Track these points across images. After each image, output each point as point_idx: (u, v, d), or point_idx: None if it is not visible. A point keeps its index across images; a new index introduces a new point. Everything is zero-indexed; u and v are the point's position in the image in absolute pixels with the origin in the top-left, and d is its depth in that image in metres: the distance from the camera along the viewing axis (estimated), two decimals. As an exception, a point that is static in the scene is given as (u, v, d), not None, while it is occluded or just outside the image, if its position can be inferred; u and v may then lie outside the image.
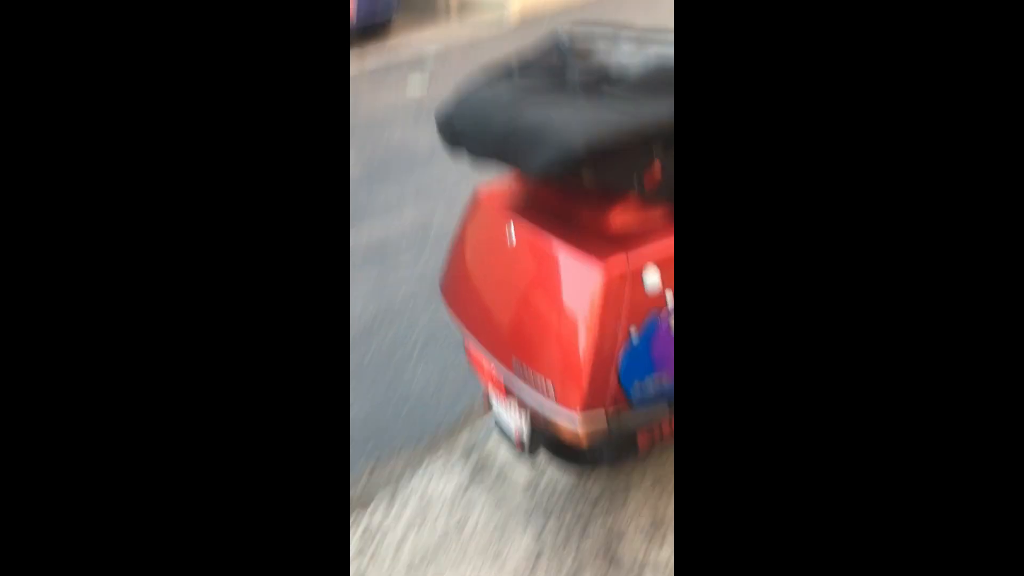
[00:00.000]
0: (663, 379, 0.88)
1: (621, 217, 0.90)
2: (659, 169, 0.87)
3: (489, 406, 1.13)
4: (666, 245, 0.86)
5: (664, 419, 0.91)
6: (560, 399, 0.85)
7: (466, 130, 0.92)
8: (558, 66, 0.94)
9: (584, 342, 0.83)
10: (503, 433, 1.14)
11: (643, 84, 0.85)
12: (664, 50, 0.93)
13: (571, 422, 0.86)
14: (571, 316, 0.85)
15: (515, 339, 0.92)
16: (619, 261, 0.85)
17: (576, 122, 0.80)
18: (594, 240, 0.90)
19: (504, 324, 0.95)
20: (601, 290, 0.83)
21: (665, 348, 0.87)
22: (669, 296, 0.86)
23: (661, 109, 0.81)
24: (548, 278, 0.90)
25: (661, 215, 0.91)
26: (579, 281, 0.86)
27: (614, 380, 0.85)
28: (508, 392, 0.98)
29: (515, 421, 1.04)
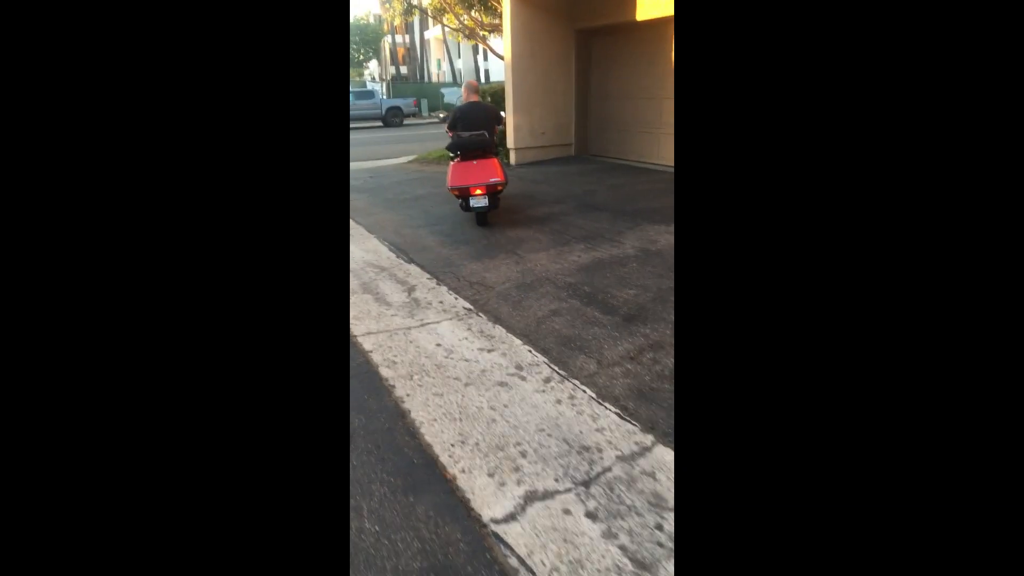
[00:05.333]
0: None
1: (491, 156, 5.19)
2: (492, 146, 5.26)
3: (468, 206, 5.05)
4: (493, 160, 5.10)
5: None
6: (502, 180, 4.92)
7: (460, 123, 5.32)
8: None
9: (500, 173, 4.94)
10: (476, 209, 4.99)
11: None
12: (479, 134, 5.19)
13: (503, 185, 4.96)
14: (497, 169, 4.96)
15: (485, 176, 4.91)
16: (496, 161, 5.13)
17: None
18: (491, 159, 5.08)
19: (483, 176, 4.89)
20: (500, 164, 5.07)
21: (498, 170, 4.97)
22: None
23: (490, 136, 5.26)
24: (488, 167, 4.97)
25: (490, 157, 5.16)
26: (495, 165, 5.00)
27: (504, 176, 4.95)
28: (485, 191, 4.90)
29: (485, 202, 4.96)
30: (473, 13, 10.58)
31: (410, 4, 12.94)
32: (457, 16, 10.59)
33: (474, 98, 5.29)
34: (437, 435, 2.15)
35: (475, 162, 4.97)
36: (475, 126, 5.14)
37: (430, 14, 12.18)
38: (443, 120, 7.60)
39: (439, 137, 14.65)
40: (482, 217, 5.09)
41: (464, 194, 4.91)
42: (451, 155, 5.24)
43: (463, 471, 1.94)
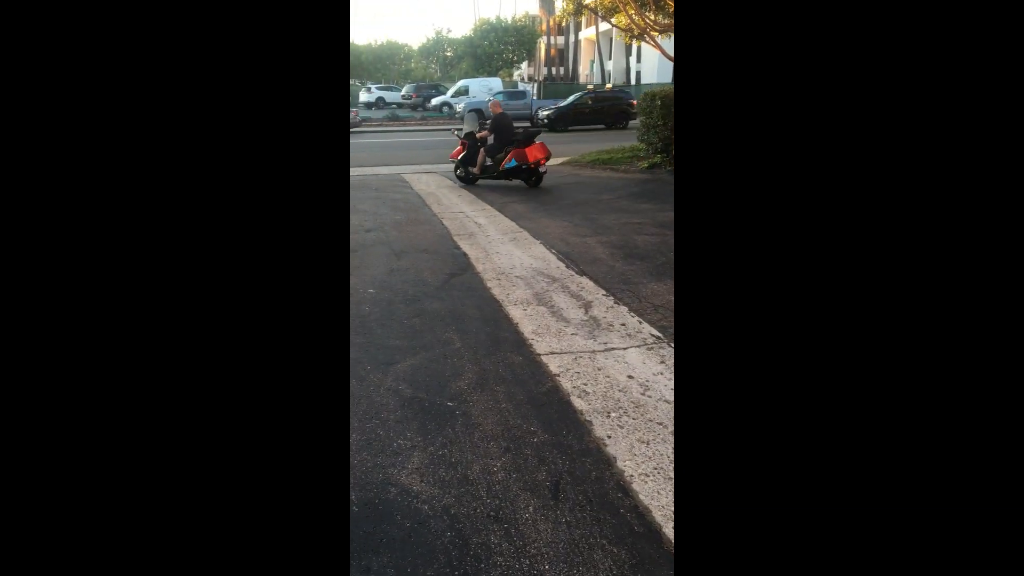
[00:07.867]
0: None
1: (539, 141, 8.23)
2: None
3: (535, 171, 8.08)
4: (542, 143, 8.17)
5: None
6: (547, 156, 8.05)
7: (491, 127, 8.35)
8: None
9: (545, 150, 8.02)
10: (541, 172, 8.18)
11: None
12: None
13: (548, 160, 8.14)
14: (546, 147, 8.10)
15: (545, 152, 7.99)
16: (541, 142, 8.17)
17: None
18: (540, 142, 8.10)
19: (544, 152, 7.97)
20: (544, 144, 8.12)
21: (543, 150, 8.04)
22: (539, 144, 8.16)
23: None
24: (543, 146, 8.03)
25: (539, 141, 8.22)
26: (544, 145, 8.10)
27: (547, 153, 8.07)
28: (544, 161, 8.01)
29: (545, 168, 8.25)
30: (647, 13, 10.12)
31: (581, 3, 12.78)
32: (629, 15, 10.19)
33: (499, 110, 8.35)
34: (653, 496, 1.84)
35: (534, 144, 7.91)
36: (511, 127, 8.21)
37: (600, 13, 11.91)
38: (458, 133, 8.97)
39: (590, 139, 14.44)
40: (540, 178, 8.13)
41: (536, 164, 7.87)
42: (459, 166, 8.58)
43: (695, 553, 1.61)
